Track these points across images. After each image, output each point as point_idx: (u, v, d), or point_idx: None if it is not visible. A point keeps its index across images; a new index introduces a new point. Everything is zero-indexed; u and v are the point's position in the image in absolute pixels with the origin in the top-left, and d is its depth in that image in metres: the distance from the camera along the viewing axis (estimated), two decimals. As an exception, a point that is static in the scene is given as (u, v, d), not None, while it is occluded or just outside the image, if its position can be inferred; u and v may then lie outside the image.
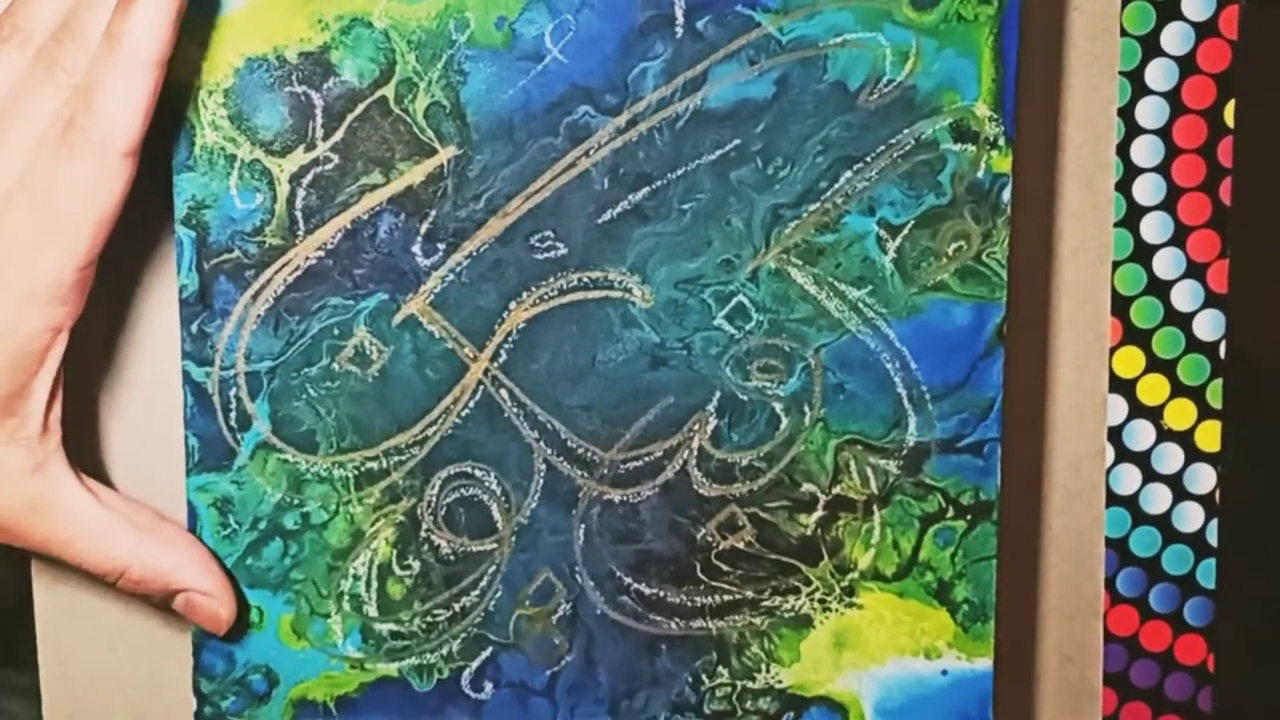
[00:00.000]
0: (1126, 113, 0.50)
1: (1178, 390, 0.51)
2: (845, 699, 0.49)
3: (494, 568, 0.48)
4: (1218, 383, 0.51)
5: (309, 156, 0.46)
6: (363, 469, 0.48)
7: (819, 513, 0.48)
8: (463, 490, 0.48)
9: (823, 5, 0.46)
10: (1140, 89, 0.50)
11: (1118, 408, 0.51)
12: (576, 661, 0.49)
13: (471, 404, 0.48)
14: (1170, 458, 0.51)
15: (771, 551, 0.48)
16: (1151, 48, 0.50)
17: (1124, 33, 0.50)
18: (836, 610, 0.49)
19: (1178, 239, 0.51)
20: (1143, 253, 0.51)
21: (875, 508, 0.49)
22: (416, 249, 0.47)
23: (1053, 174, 0.50)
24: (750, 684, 0.49)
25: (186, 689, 0.49)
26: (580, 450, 0.48)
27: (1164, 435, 0.51)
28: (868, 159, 0.47)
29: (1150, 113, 0.50)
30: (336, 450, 0.48)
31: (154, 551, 0.45)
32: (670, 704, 0.49)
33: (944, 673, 0.49)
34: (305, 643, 0.48)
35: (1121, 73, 0.50)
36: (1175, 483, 0.52)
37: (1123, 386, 0.51)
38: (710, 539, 0.48)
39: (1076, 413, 0.51)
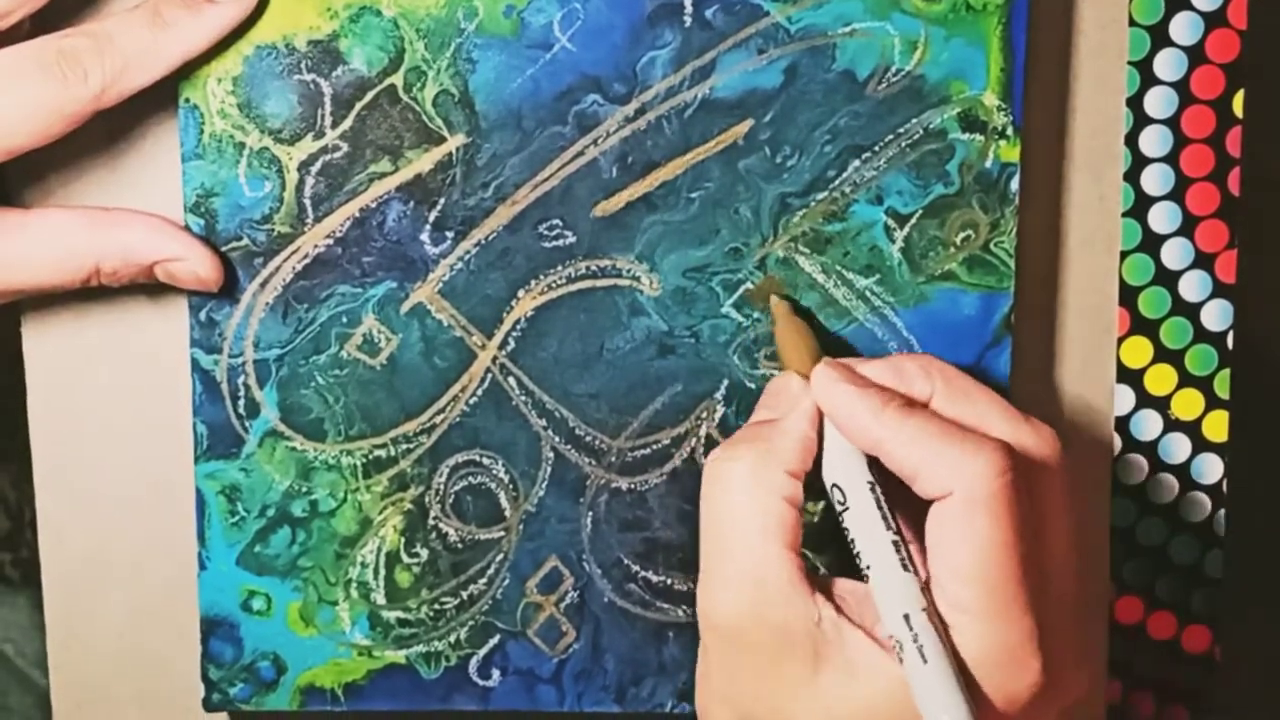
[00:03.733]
0: (1135, 103, 0.50)
1: (1185, 380, 0.51)
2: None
3: (502, 556, 0.48)
4: (1225, 373, 0.51)
5: (318, 145, 0.46)
6: (371, 457, 0.48)
7: (826, 500, 0.48)
8: (471, 478, 0.48)
9: (831, -6, 0.46)
10: (1149, 79, 0.50)
11: (1125, 398, 0.51)
12: (584, 649, 0.49)
13: (479, 392, 0.48)
14: (1178, 448, 0.51)
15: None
16: (1160, 38, 0.50)
17: (1133, 22, 0.50)
18: (843, 599, 0.49)
19: (1186, 229, 0.51)
20: (1151, 243, 0.51)
21: (882, 497, 0.49)
22: (425, 237, 0.47)
23: (1061, 164, 0.50)
24: (757, 672, 0.49)
25: (195, 675, 0.49)
26: (588, 438, 0.48)
27: (1171, 425, 0.51)
28: (876, 148, 0.47)
29: (1159, 103, 0.50)
30: (345, 438, 0.48)
31: (112, 237, 0.45)
32: (677, 692, 0.49)
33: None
34: (313, 630, 0.48)
35: (1130, 63, 0.50)
36: (1183, 473, 0.52)
37: (1130, 376, 0.51)
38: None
39: (1084, 402, 0.51)
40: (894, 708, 0.39)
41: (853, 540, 0.42)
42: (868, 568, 0.41)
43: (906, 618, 0.39)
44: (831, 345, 0.47)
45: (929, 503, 0.41)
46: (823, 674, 0.40)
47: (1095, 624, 0.52)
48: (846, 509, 0.42)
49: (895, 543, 0.41)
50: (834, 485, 0.42)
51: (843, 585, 0.42)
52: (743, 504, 0.41)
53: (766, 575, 0.41)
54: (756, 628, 0.41)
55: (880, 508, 0.41)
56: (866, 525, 0.41)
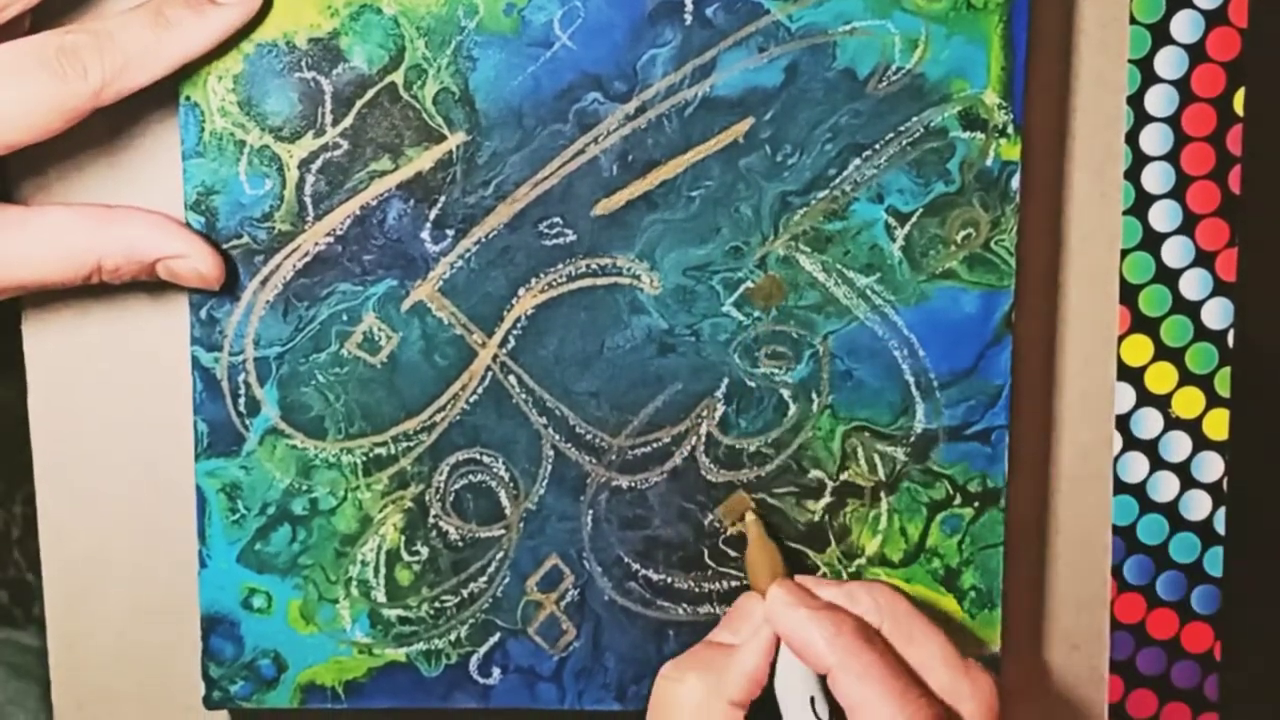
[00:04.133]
0: (1136, 101, 0.50)
1: (1186, 378, 0.51)
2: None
3: (502, 554, 0.49)
4: (1226, 371, 0.51)
5: (318, 142, 0.46)
6: (371, 455, 0.48)
7: (826, 499, 0.49)
8: (471, 476, 0.48)
9: (832, -8, 0.46)
10: (1150, 77, 0.50)
11: (1126, 396, 0.51)
12: (584, 647, 0.49)
13: (480, 390, 0.48)
14: (1178, 446, 0.51)
15: (779, 537, 0.49)
16: (1161, 36, 0.50)
17: (1133, 20, 0.50)
18: (844, 597, 0.49)
19: (1187, 227, 0.51)
20: (1151, 241, 0.51)
21: (883, 494, 0.49)
22: (425, 235, 0.47)
23: (1062, 162, 0.50)
24: (757, 670, 0.49)
25: (195, 673, 0.49)
26: (588, 436, 0.48)
27: (1172, 423, 0.51)
28: (876, 146, 0.47)
29: (1160, 101, 0.50)
30: (345, 436, 0.48)
31: (113, 235, 0.45)
32: (677, 690, 0.49)
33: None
34: (314, 628, 0.48)
35: (1131, 61, 0.50)
36: (1183, 471, 0.52)
37: (1131, 374, 0.51)
38: (718, 525, 0.49)
39: (1084, 400, 0.51)
40: None
41: None
42: None
43: None
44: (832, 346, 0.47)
45: None
46: None
47: (1096, 622, 0.52)
48: None
49: None
50: (811, 698, 0.45)
51: None
52: None
53: None
54: None
55: None
56: None
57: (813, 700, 0.45)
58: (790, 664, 0.45)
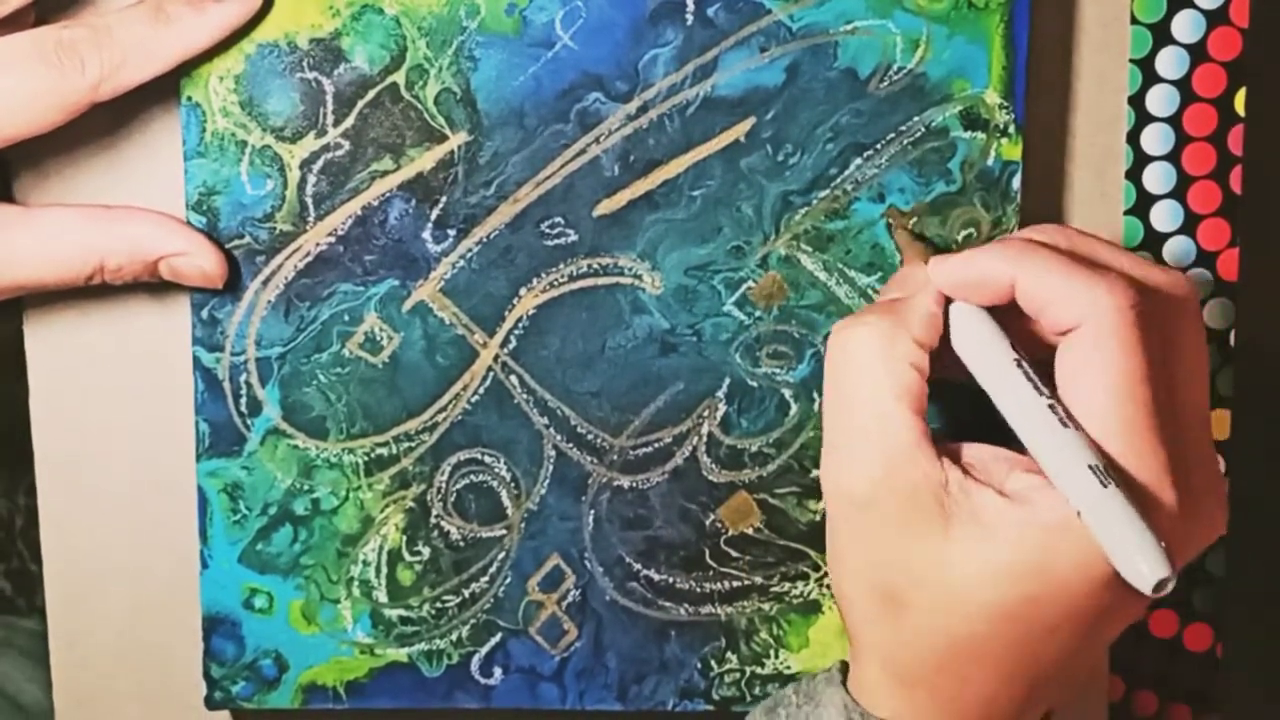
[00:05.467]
0: (1137, 101, 0.50)
1: (1187, 378, 0.51)
2: (854, 685, 0.49)
3: (503, 554, 0.49)
4: (1227, 371, 0.51)
5: (320, 143, 0.46)
6: (373, 455, 0.48)
7: None
8: (472, 476, 0.48)
9: (833, -8, 0.46)
10: (1151, 77, 0.50)
11: (1127, 396, 0.51)
12: (585, 647, 0.49)
13: (481, 390, 0.48)
14: (1179, 446, 0.51)
15: (780, 537, 0.49)
16: (1162, 35, 0.50)
17: (1134, 20, 0.50)
18: (845, 597, 0.49)
19: (1188, 227, 0.51)
20: (1153, 241, 0.51)
21: (884, 495, 0.49)
22: (427, 235, 0.47)
23: (1063, 162, 0.50)
24: (759, 670, 0.49)
25: (197, 673, 0.49)
26: (590, 436, 0.48)
27: (1173, 423, 0.51)
28: (878, 146, 0.47)
29: (1161, 101, 0.50)
30: (346, 436, 0.48)
31: (116, 233, 0.45)
32: (679, 690, 0.49)
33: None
34: (315, 628, 0.48)
35: (1132, 60, 0.50)
36: (1184, 471, 0.52)
37: (1132, 375, 0.51)
38: (719, 525, 0.49)
39: (1085, 401, 0.51)
40: (1029, 562, 0.39)
41: (1008, 413, 0.41)
42: (1030, 433, 0.40)
43: (1093, 469, 0.38)
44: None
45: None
46: (954, 536, 0.40)
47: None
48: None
49: (1050, 405, 0.40)
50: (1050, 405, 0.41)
51: (969, 451, 0.42)
52: (873, 368, 0.41)
53: (896, 439, 0.41)
54: (887, 495, 0.41)
55: (1030, 377, 0.41)
56: (1018, 397, 0.41)
57: (1017, 360, 0.41)
58: (972, 324, 0.42)
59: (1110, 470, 0.38)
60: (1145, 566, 0.37)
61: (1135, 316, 0.39)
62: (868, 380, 0.41)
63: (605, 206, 0.47)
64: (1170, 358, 0.41)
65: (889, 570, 0.41)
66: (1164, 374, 0.40)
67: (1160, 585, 0.37)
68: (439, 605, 0.49)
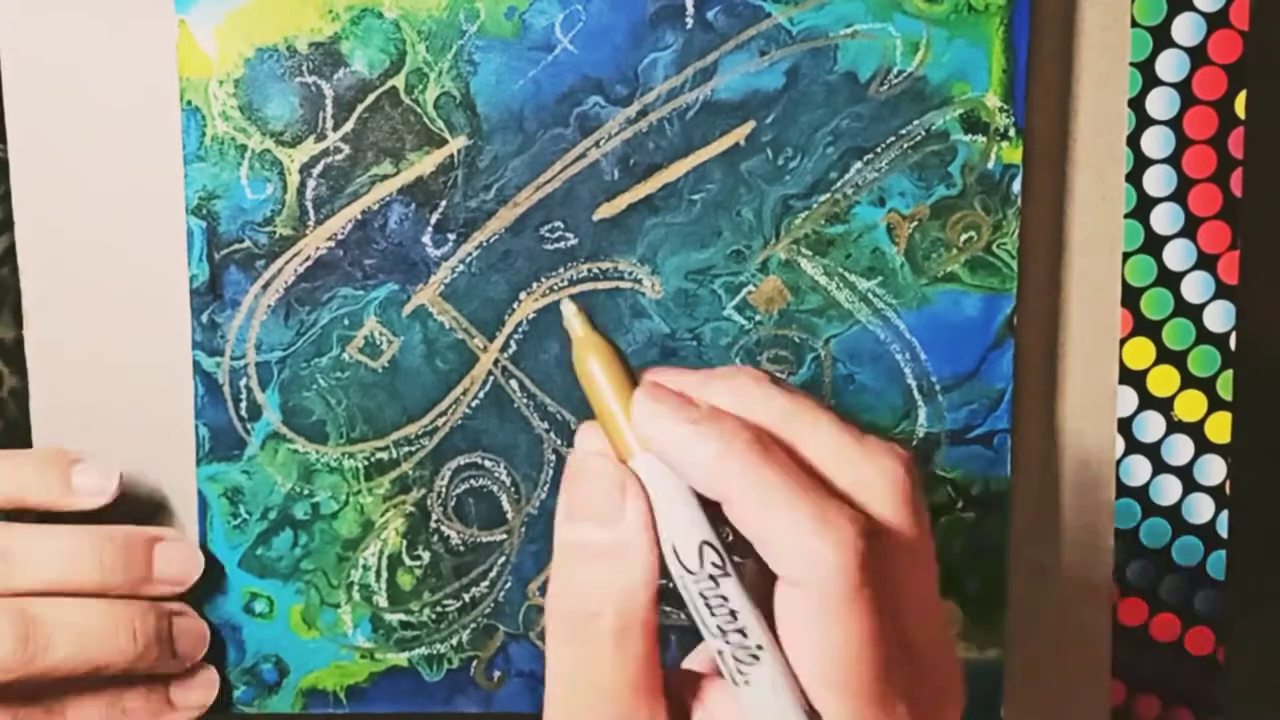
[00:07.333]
0: (1137, 104, 0.50)
1: (1188, 381, 0.51)
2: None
3: (504, 558, 0.48)
4: (1228, 374, 0.51)
5: (319, 147, 0.46)
6: (373, 459, 0.48)
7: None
8: (473, 481, 0.48)
9: (833, -5, 0.46)
10: (1151, 80, 0.50)
11: (1128, 399, 0.51)
12: (586, 652, 0.49)
13: (481, 394, 0.48)
14: (1180, 449, 0.51)
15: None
16: (1162, 39, 0.50)
17: (1135, 23, 0.49)
18: (846, 601, 0.49)
19: (1188, 230, 0.51)
20: (1153, 244, 0.51)
21: (885, 498, 0.48)
22: (427, 239, 0.47)
23: (1063, 165, 0.50)
24: (760, 674, 0.49)
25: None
26: (590, 441, 0.48)
27: (1174, 426, 0.51)
28: (878, 150, 0.47)
29: (1161, 104, 0.50)
30: (346, 440, 0.48)
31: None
32: (680, 694, 0.49)
33: (953, 664, 0.49)
34: (315, 632, 0.48)
35: (1132, 64, 0.50)
36: (1185, 474, 0.51)
37: (1133, 378, 0.51)
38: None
39: (1086, 404, 0.51)
40: None
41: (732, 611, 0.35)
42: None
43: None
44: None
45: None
46: None
47: (1099, 625, 0.52)
48: (724, 575, 0.34)
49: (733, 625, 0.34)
50: (704, 543, 0.35)
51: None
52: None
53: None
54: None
55: (717, 572, 0.34)
56: (698, 607, 0.35)
57: (702, 547, 0.34)
58: (670, 502, 0.34)
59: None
60: None
61: (860, 576, 0.33)
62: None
63: (605, 210, 0.47)
64: (899, 590, 0.35)
65: None
66: (893, 621, 0.34)
67: None
68: (439, 610, 0.49)
